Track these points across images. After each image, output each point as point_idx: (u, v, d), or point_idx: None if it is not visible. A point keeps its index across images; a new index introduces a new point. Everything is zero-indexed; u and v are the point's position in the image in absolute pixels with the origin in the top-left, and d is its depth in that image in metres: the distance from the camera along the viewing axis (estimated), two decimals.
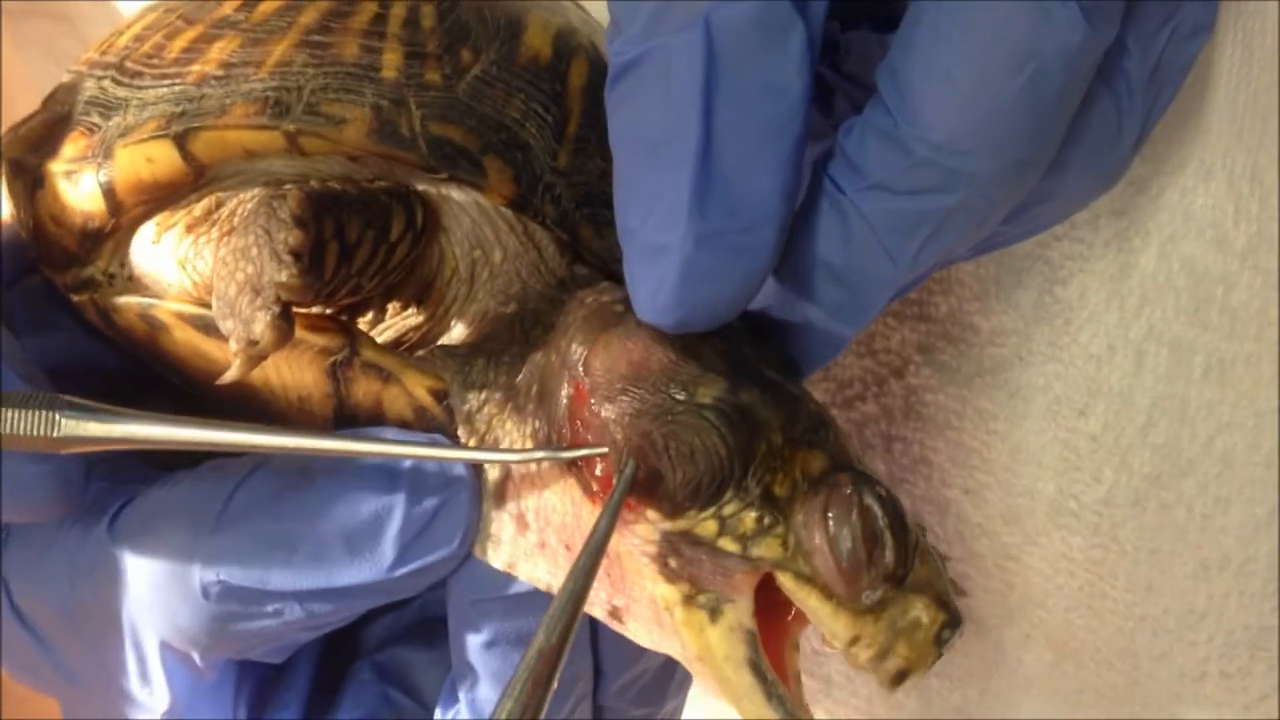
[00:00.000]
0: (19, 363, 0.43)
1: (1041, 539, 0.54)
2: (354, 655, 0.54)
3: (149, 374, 0.50)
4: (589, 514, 0.39)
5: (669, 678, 0.48)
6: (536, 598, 0.42)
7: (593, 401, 0.38)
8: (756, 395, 0.38)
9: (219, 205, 0.45)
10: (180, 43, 0.46)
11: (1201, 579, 0.50)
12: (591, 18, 0.51)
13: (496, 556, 0.42)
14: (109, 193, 0.44)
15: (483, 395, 0.42)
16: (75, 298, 0.47)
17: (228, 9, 0.47)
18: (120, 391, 0.49)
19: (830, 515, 0.36)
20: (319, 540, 0.41)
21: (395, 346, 0.46)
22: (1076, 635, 0.55)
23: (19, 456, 0.41)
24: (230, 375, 0.39)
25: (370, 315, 0.46)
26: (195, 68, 0.45)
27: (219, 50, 0.45)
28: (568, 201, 0.44)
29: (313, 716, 0.52)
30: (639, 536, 0.38)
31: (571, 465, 0.39)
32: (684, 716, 0.53)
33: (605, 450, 0.38)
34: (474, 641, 0.44)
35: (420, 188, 0.44)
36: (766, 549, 0.37)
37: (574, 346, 0.40)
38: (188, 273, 0.45)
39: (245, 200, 0.44)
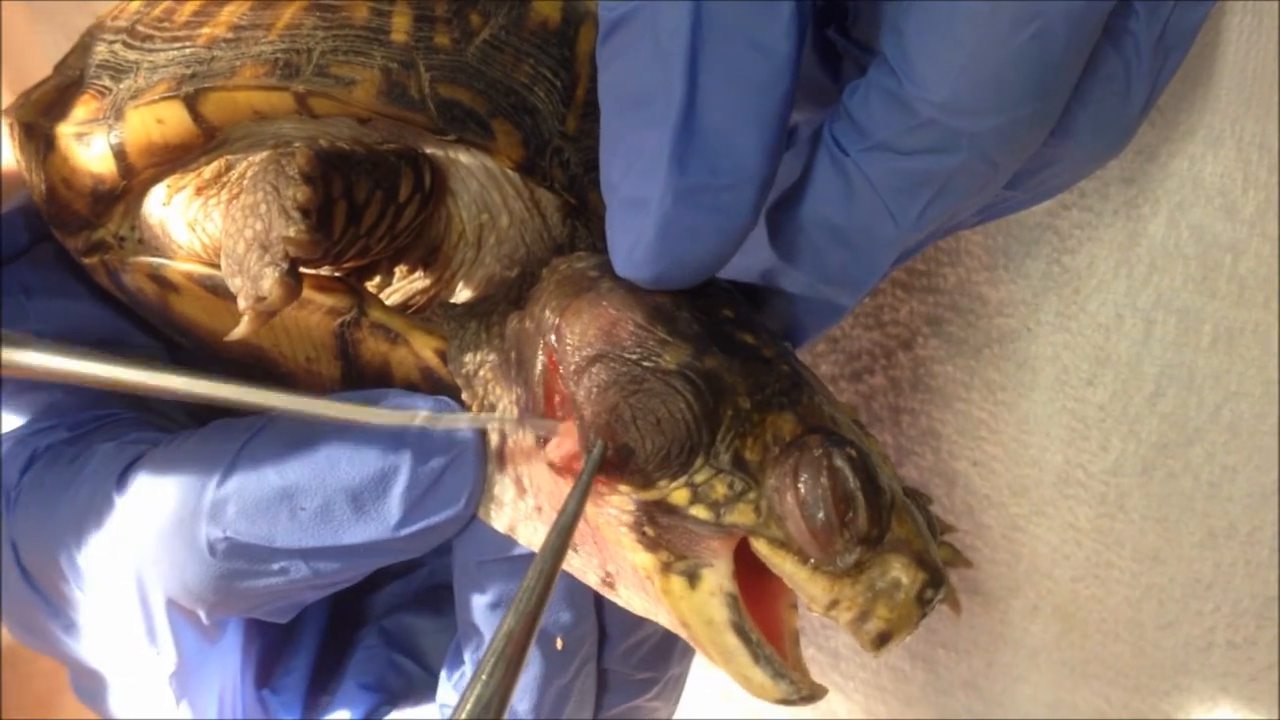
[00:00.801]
0: None
1: (1049, 509, 0.54)
2: (361, 622, 0.54)
3: (159, 339, 0.51)
4: (567, 484, 0.39)
5: (673, 641, 0.48)
6: None
7: (561, 373, 0.38)
8: (723, 359, 0.37)
9: (229, 168, 0.45)
10: (191, 6, 0.46)
11: (1208, 548, 0.50)
12: None
13: (499, 519, 0.42)
14: (120, 154, 0.45)
15: (477, 358, 0.42)
16: (86, 260, 0.48)
17: None
18: (129, 357, 0.50)
19: (801, 478, 0.35)
20: (325, 498, 0.41)
21: (402, 309, 0.46)
22: (1083, 605, 0.55)
23: None
24: (238, 332, 0.39)
25: (378, 278, 0.46)
26: (205, 31, 0.45)
27: (229, 13, 0.45)
28: (576, 166, 0.44)
29: (320, 681, 0.52)
30: (615, 507, 0.38)
31: (539, 438, 0.39)
32: (684, 717, 0.53)
33: (555, 425, 0.38)
34: (479, 603, 0.44)
35: (429, 151, 0.45)
36: (739, 515, 0.36)
37: (547, 313, 0.40)
38: (197, 234, 0.46)
39: (254, 163, 0.44)
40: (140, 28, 0.47)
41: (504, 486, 0.42)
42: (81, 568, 0.45)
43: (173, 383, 0.38)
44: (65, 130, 0.46)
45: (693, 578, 0.37)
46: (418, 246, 0.46)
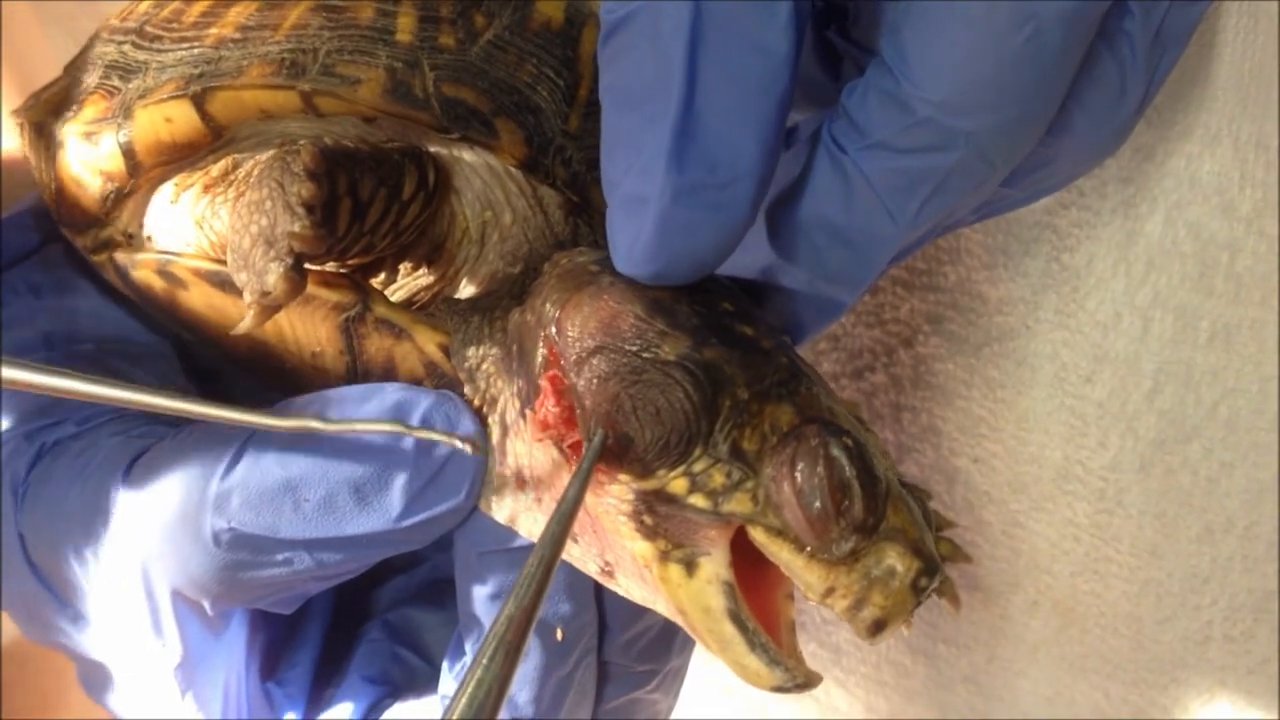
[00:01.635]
0: None
1: (1048, 505, 0.55)
2: (365, 616, 0.55)
3: (168, 336, 0.51)
4: (569, 473, 0.39)
5: (674, 633, 0.48)
6: None
7: (563, 364, 0.39)
8: (722, 351, 0.38)
9: (236, 166, 0.46)
10: (199, 7, 0.47)
11: (1206, 543, 0.50)
12: None
13: (500, 510, 0.43)
14: (128, 153, 0.45)
15: (479, 352, 0.43)
16: (95, 258, 0.48)
17: None
18: (136, 354, 0.51)
19: (797, 468, 0.36)
20: (328, 490, 0.41)
21: (407, 305, 0.46)
22: (1082, 600, 0.55)
23: None
24: (243, 326, 0.40)
25: (383, 275, 0.47)
26: (213, 31, 0.46)
27: (236, 14, 0.46)
28: (578, 164, 0.45)
29: (324, 674, 0.53)
30: (614, 497, 0.38)
31: (545, 428, 0.39)
32: (684, 717, 0.53)
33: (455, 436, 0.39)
34: (479, 594, 0.44)
35: (433, 149, 0.45)
36: (737, 504, 0.37)
37: (547, 306, 0.40)
38: (204, 232, 0.46)
39: (261, 161, 0.45)
40: (149, 28, 0.48)
41: (504, 478, 0.42)
42: (88, 560, 0.46)
43: (148, 400, 0.39)
44: (74, 129, 0.47)
45: (690, 566, 0.37)
46: (422, 243, 0.46)
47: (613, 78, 0.37)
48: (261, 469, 0.42)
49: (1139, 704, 0.55)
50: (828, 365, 0.61)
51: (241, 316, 0.40)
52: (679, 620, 0.39)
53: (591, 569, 0.42)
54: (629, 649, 0.47)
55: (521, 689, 0.45)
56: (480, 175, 0.46)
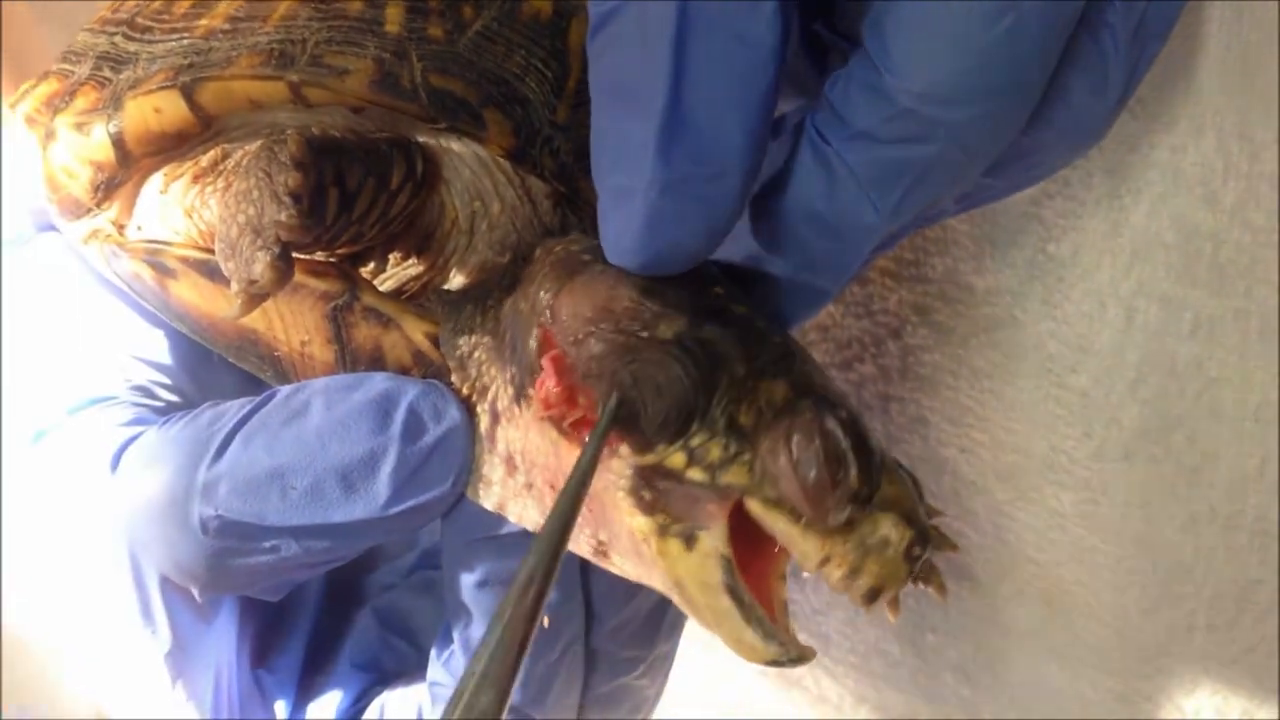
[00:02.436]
0: None
1: (1033, 495, 0.55)
2: (355, 604, 0.55)
3: (160, 326, 0.51)
4: (568, 454, 0.40)
5: (660, 620, 0.48)
6: (528, 538, 0.43)
7: (560, 346, 0.39)
8: (718, 329, 0.38)
9: (225, 156, 0.46)
10: None
11: (1189, 533, 0.51)
12: None
13: (488, 497, 0.43)
14: (119, 143, 0.46)
15: (471, 340, 0.43)
16: (85, 246, 0.49)
17: None
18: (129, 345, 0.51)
19: (793, 440, 0.36)
20: (315, 478, 0.41)
21: (396, 295, 0.47)
22: (1068, 590, 0.55)
23: None
24: (231, 314, 0.40)
25: (372, 265, 0.47)
26: (203, 22, 0.46)
27: (226, 5, 0.46)
28: (566, 155, 0.45)
29: (314, 662, 0.53)
30: (613, 472, 0.38)
31: (548, 406, 0.39)
32: (683, 717, 0.53)
33: None
34: (467, 581, 0.45)
35: (421, 139, 0.45)
36: (734, 476, 0.37)
37: (541, 293, 0.41)
38: (194, 221, 0.46)
39: (249, 151, 0.45)
40: (140, 20, 0.49)
41: (492, 465, 0.43)
42: (79, 552, 0.46)
43: None
44: (66, 120, 0.47)
45: (689, 540, 0.38)
46: (411, 233, 0.46)
47: (601, 71, 0.37)
48: (249, 456, 0.42)
49: (1123, 692, 0.55)
50: (817, 356, 0.61)
51: (230, 305, 0.41)
52: (675, 595, 0.39)
53: (584, 549, 0.42)
54: (616, 635, 0.47)
55: None
56: (469, 165, 0.46)
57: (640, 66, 0.35)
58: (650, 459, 0.38)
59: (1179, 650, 0.53)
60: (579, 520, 0.41)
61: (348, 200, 0.42)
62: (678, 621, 0.49)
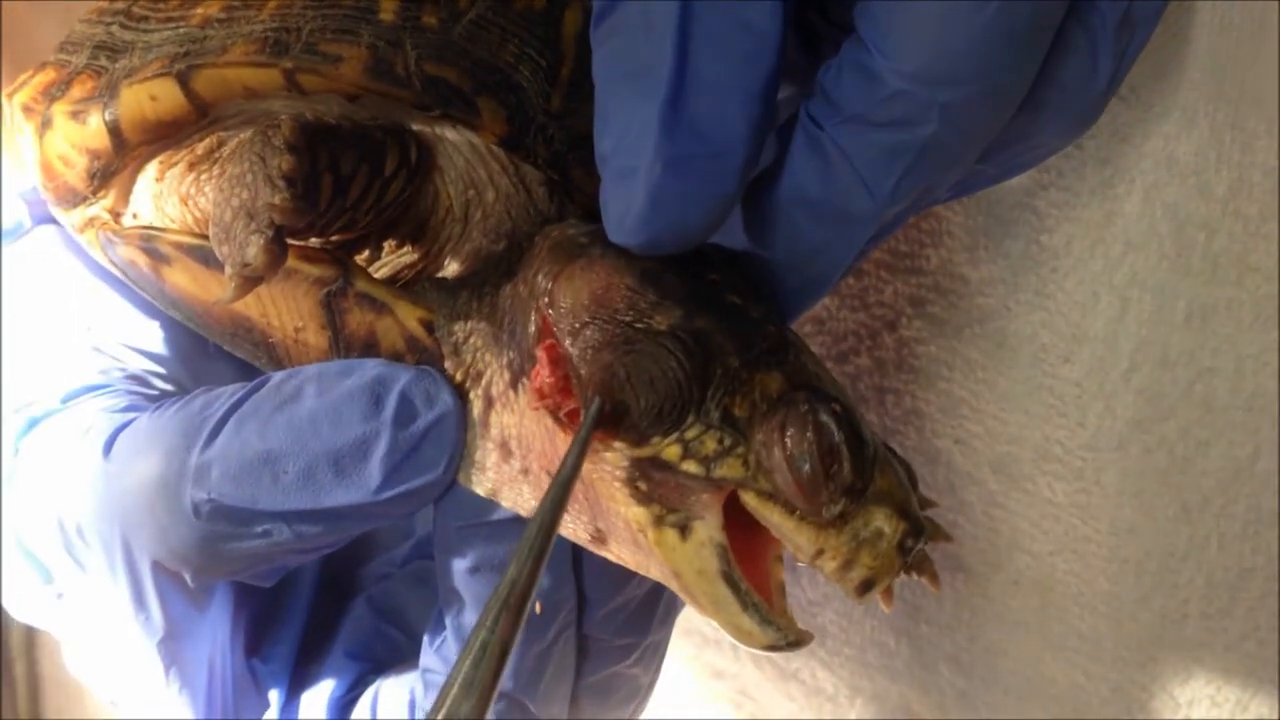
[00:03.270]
0: None
1: (1027, 485, 0.55)
2: (349, 593, 0.55)
3: (155, 314, 0.51)
4: (564, 441, 0.40)
5: (654, 606, 0.48)
6: (520, 524, 0.43)
7: (557, 334, 0.39)
8: (712, 320, 0.39)
9: (221, 144, 0.47)
10: None
11: (1183, 522, 0.51)
12: None
13: (480, 483, 0.43)
14: (114, 130, 0.46)
15: (467, 326, 0.44)
16: (81, 234, 0.49)
17: None
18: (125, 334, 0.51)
19: (787, 433, 0.37)
20: (307, 462, 0.42)
21: (391, 282, 0.47)
22: (1062, 579, 0.55)
23: None
24: (225, 298, 0.40)
25: (367, 252, 0.47)
26: (199, 11, 0.47)
27: None
28: (560, 143, 0.45)
29: (308, 651, 0.53)
30: (608, 463, 0.39)
31: (542, 396, 0.40)
32: (683, 717, 0.53)
33: None
34: (459, 568, 0.45)
35: (416, 127, 0.46)
36: (728, 469, 0.38)
37: (539, 278, 0.41)
38: (189, 209, 0.47)
39: (245, 137, 0.45)
40: (136, 9, 0.49)
41: (486, 451, 0.43)
42: (72, 537, 0.46)
43: None
44: (62, 108, 0.47)
45: (684, 530, 0.38)
46: (405, 221, 0.47)
47: (605, 55, 0.38)
48: (241, 441, 0.42)
49: (1117, 681, 0.55)
50: (813, 349, 0.61)
51: (224, 290, 0.41)
52: (673, 584, 0.40)
53: (582, 537, 0.42)
54: (608, 623, 0.47)
55: None
56: (463, 153, 0.46)
57: (644, 52, 0.36)
58: (646, 451, 0.38)
59: (1173, 639, 0.53)
60: (578, 509, 0.41)
61: (341, 186, 0.42)
62: (671, 609, 0.50)
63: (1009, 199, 0.51)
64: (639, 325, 0.38)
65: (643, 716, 0.54)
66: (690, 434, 0.38)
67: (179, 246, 0.46)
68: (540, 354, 0.40)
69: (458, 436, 0.42)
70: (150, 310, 0.51)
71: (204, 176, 0.46)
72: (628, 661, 0.49)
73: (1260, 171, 0.45)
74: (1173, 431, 0.50)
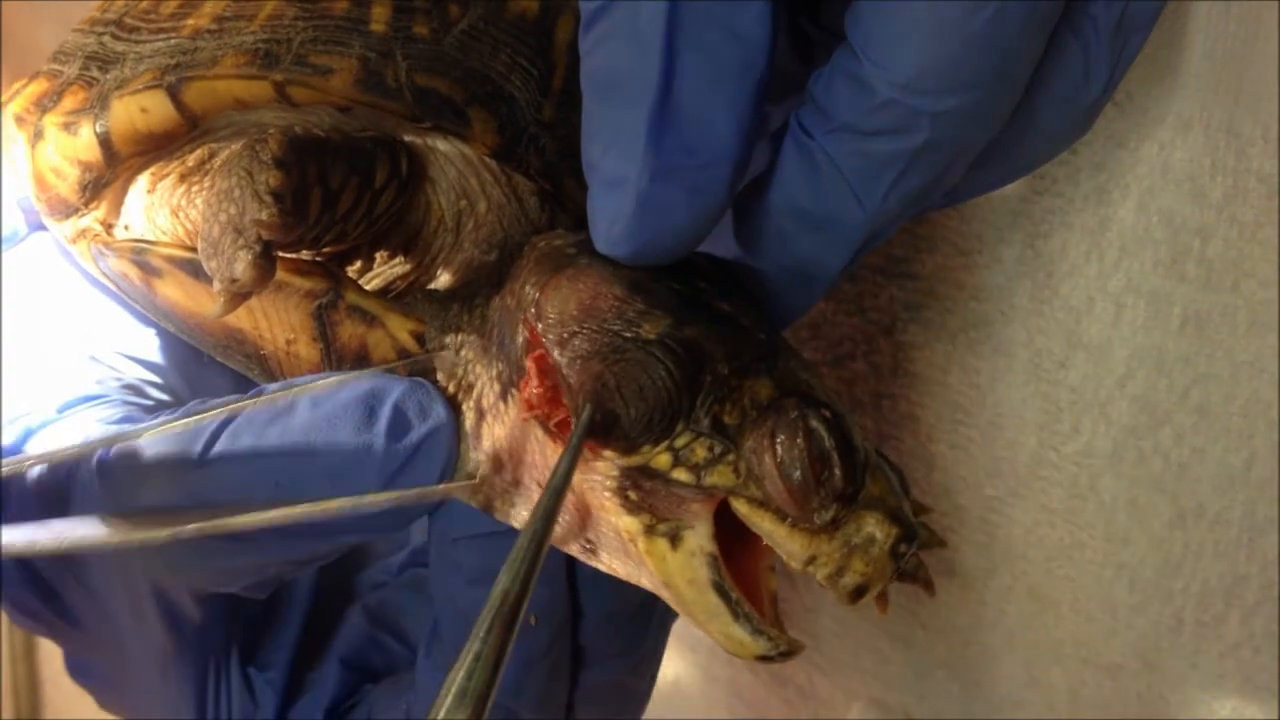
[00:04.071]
0: None
1: (1023, 491, 0.55)
2: (346, 601, 0.55)
3: (149, 325, 0.51)
4: (554, 452, 0.40)
5: (648, 616, 0.48)
6: (513, 535, 0.43)
7: (545, 344, 0.39)
8: (701, 328, 0.39)
9: (212, 156, 0.46)
10: None
11: (1178, 528, 0.50)
12: None
13: (474, 495, 0.43)
14: (105, 142, 0.46)
15: (458, 338, 0.44)
16: (73, 246, 0.49)
17: None
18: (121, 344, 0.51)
19: (778, 440, 0.37)
20: (300, 474, 0.42)
21: (383, 294, 0.47)
22: (1057, 586, 0.55)
23: None
24: (214, 313, 0.40)
25: (358, 264, 0.47)
26: (189, 22, 0.46)
27: (212, 5, 0.47)
28: (551, 153, 0.45)
29: (304, 659, 0.53)
30: (599, 473, 0.39)
31: (531, 407, 0.40)
32: (681, 717, 0.53)
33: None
34: (454, 579, 0.45)
35: (407, 138, 0.46)
36: (719, 477, 0.37)
37: (527, 289, 0.41)
38: (180, 220, 0.47)
39: (234, 150, 0.45)
40: (128, 20, 0.49)
41: (478, 463, 0.43)
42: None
43: None
44: (54, 120, 0.47)
45: (675, 539, 0.38)
46: (397, 232, 0.46)
47: (593, 64, 0.37)
48: (235, 455, 0.42)
49: (1112, 688, 0.55)
50: (809, 353, 0.61)
51: (214, 304, 0.41)
52: (664, 593, 0.40)
53: (573, 547, 0.42)
54: (603, 632, 0.47)
55: None
56: (455, 164, 0.46)
57: (632, 60, 0.36)
58: (636, 460, 0.38)
59: (1168, 646, 0.52)
60: (569, 519, 0.41)
61: (331, 199, 0.42)
62: (666, 618, 0.50)
63: (1004, 205, 0.51)
64: (628, 334, 0.38)
65: None
66: (680, 442, 0.38)
67: (170, 259, 0.46)
68: (529, 365, 0.40)
69: (451, 448, 0.42)
70: (145, 319, 0.51)
71: (195, 188, 0.46)
72: (623, 670, 0.49)
73: (1255, 177, 0.45)
74: (1168, 438, 0.50)
